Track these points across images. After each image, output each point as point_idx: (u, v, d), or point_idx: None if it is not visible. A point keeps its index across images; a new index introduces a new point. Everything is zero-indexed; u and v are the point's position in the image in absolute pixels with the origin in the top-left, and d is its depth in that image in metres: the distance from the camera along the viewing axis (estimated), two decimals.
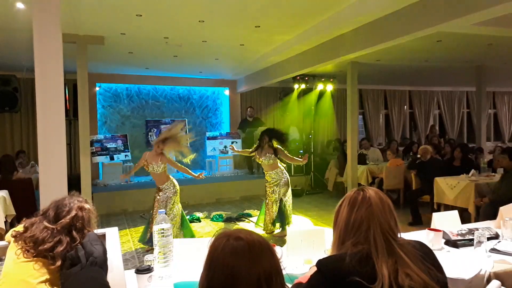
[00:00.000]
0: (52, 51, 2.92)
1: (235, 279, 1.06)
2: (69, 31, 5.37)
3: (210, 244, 1.14)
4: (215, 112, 10.59)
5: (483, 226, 2.76)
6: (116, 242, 2.05)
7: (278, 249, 1.76)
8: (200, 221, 6.43)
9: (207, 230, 5.94)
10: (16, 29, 5.11)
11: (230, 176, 9.15)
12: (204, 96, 10.45)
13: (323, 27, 5.33)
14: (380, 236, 1.36)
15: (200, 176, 4.97)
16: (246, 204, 7.64)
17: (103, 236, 2.07)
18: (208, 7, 4.60)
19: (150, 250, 4.44)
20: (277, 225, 5.50)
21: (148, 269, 1.89)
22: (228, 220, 6.45)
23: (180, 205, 4.86)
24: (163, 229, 2.17)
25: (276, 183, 5.37)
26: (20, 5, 4.29)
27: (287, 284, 1.18)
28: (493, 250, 2.34)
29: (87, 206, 1.91)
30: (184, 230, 4.93)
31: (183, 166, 4.94)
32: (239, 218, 6.53)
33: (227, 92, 10.51)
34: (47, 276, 1.72)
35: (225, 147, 9.37)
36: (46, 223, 1.80)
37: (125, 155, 8.52)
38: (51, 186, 2.90)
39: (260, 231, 5.48)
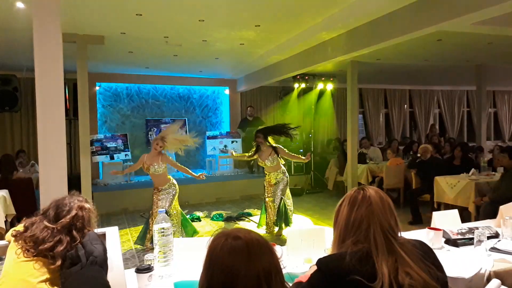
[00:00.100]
0: (52, 50, 2.92)
1: (234, 278, 1.06)
2: (69, 31, 5.37)
3: (209, 244, 1.14)
4: (215, 112, 10.59)
5: (483, 225, 2.76)
6: (116, 241, 2.05)
7: (278, 248, 1.76)
8: (200, 221, 6.43)
9: (207, 229, 5.94)
10: (16, 29, 5.11)
11: (230, 176, 9.15)
12: (204, 96, 10.44)
13: (323, 26, 5.32)
14: (380, 235, 1.36)
15: (201, 177, 4.96)
16: (246, 204, 7.64)
17: (103, 235, 2.07)
18: (208, 6, 4.60)
19: (150, 250, 4.45)
20: (279, 225, 5.47)
21: (148, 269, 1.89)
22: (228, 219, 6.45)
23: (178, 205, 4.87)
24: (163, 228, 2.17)
25: (277, 184, 5.37)
26: (20, 5, 4.29)
27: (287, 282, 1.18)
28: (493, 249, 2.35)
29: (87, 205, 1.91)
30: (185, 228, 4.94)
31: (183, 166, 4.94)
32: (239, 218, 6.53)
33: (227, 91, 10.51)
34: (47, 276, 1.72)
35: (225, 146, 9.36)
36: (46, 223, 1.80)
37: (125, 155, 8.52)
38: (51, 185, 2.90)
39: (262, 231, 5.47)
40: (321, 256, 1.43)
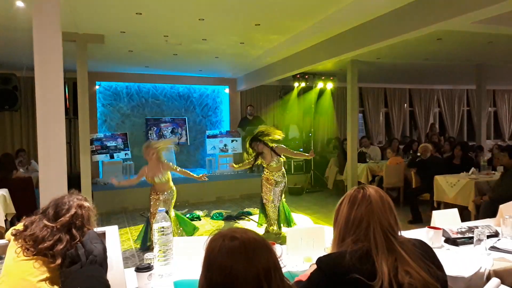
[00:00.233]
0: (52, 49, 2.92)
1: (234, 278, 1.06)
2: (69, 30, 5.36)
3: (206, 246, 1.14)
4: (215, 111, 10.58)
5: (483, 224, 2.76)
6: (116, 240, 2.05)
7: (278, 247, 1.76)
8: (200, 220, 6.43)
9: (207, 228, 5.95)
10: (16, 28, 5.11)
11: (230, 175, 9.15)
12: (204, 95, 10.44)
13: (323, 25, 5.32)
14: (380, 234, 1.36)
15: (203, 178, 4.99)
16: (246, 203, 7.64)
17: (103, 234, 2.07)
18: (208, 5, 4.60)
19: (150, 248, 4.45)
20: (282, 225, 5.45)
21: (148, 268, 1.89)
22: (228, 218, 6.45)
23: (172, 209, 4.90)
24: (163, 227, 2.17)
25: (277, 184, 5.36)
26: (20, 4, 4.29)
27: (287, 278, 1.18)
28: (493, 248, 2.35)
29: (86, 204, 1.91)
30: (185, 227, 4.95)
31: (184, 170, 4.98)
32: (239, 217, 6.54)
33: (227, 90, 10.50)
34: (47, 275, 1.72)
35: (225, 145, 9.37)
36: (45, 222, 1.80)
37: (125, 154, 8.52)
38: (51, 184, 2.90)
39: (261, 230, 5.47)
40: (321, 255, 1.43)
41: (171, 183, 4.82)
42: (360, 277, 1.27)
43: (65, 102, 3.20)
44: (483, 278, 2.02)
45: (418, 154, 6.58)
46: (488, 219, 3.15)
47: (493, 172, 5.98)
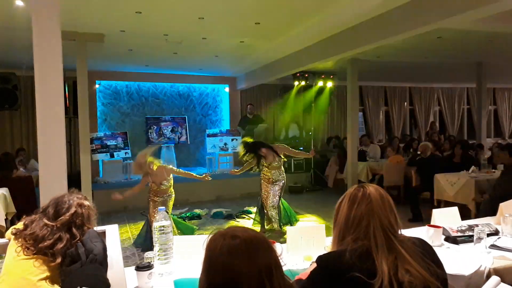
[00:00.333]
0: (51, 48, 2.92)
1: (236, 277, 1.06)
2: (69, 29, 5.36)
3: (207, 245, 1.14)
4: (215, 109, 10.58)
5: (483, 223, 2.77)
6: (116, 239, 2.05)
7: (278, 246, 1.76)
8: (200, 218, 6.44)
9: (207, 227, 5.95)
10: (15, 27, 5.09)
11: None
12: (204, 93, 10.43)
13: (323, 24, 5.32)
14: (380, 232, 1.36)
15: (206, 178, 5.00)
16: (246, 201, 7.63)
17: (103, 233, 2.07)
18: (208, 4, 4.59)
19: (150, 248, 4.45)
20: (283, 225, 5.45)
21: (148, 266, 1.89)
22: (228, 217, 6.46)
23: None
24: (163, 226, 2.17)
25: (276, 182, 5.36)
26: (19, 3, 4.28)
27: (287, 276, 1.18)
28: (493, 246, 2.35)
29: (86, 203, 1.91)
30: (184, 232, 4.95)
31: (186, 172, 4.98)
32: (239, 215, 6.54)
33: (227, 89, 10.49)
34: (47, 273, 1.72)
35: (225, 144, 9.37)
36: (46, 220, 1.80)
37: (125, 153, 8.53)
38: (51, 183, 2.90)
39: (256, 229, 5.47)
40: (321, 254, 1.43)
41: (172, 189, 4.84)
42: (360, 275, 1.27)
43: (65, 101, 3.20)
44: (483, 276, 2.02)
45: (418, 152, 6.58)
46: (488, 217, 3.14)
47: (493, 170, 5.98)
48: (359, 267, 1.29)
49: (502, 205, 2.88)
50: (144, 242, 4.84)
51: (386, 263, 1.30)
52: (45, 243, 1.73)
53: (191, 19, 5.13)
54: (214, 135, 9.44)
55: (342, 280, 1.29)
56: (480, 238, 2.34)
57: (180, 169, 4.95)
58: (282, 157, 5.42)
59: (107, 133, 8.66)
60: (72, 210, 1.83)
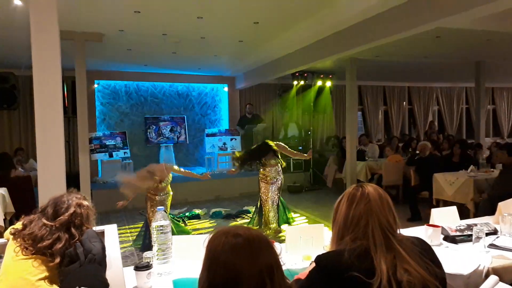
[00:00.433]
0: (50, 48, 2.91)
1: (238, 276, 1.06)
2: (67, 28, 5.35)
3: (208, 242, 1.13)
4: (214, 109, 10.58)
5: (482, 222, 2.77)
6: (115, 239, 2.05)
7: (277, 246, 1.76)
8: (199, 218, 6.44)
9: (206, 226, 5.95)
10: (13, 26, 5.09)
11: None
12: (203, 93, 10.43)
13: (322, 23, 5.31)
14: (379, 232, 1.36)
15: (207, 177, 5.01)
16: (245, 201, 7.64)
17: (102, 233, 2.06)
18: (207, 4, 4.59)
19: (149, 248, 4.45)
20: (281, 225, 5.45)
21: (147, 266, 1.89)
22: (227, 217, 6.46)
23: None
24: (162, 226, 2.17)
25: (274, 180, 5.36)
26: (17, 2, 4.27)
27: (287, 277, 1.18)
28: (492, 245, 2.35)
29: (85, 203, 1.91)
30: (178, 232, 4.95)
31: (187, 171, 4.99)
32: (238, 215, 6.54)
33: (226, 88, 10.49)
34: (46, 273, 1.72)
35: (224, 144, 9.37)
36: (44, 220, 1.80)
37: (124, 152, 8.52)
38: (50, 183, 2.89)
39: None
40: (320, 253, 1.43)
41: (169, 188, 4.85)
42: (359, 275, 1.27)
43: (63, 100, 3.19)
44: (481, 275, 2.02)
45: (417, 152, 6.58)
46: (487, 216, 3.15)
47: (492, 169, 5.99)
48: (358, 266, 1.29)
49: (500, 205, 2.88)
50: (143, 242, 4.84)
51: (385, 263, 1.30)
52: (44, 243, 1.72)
53: (190, 18, 5.13)
54: (213, 134, 9.43)
55: (340, 280, 1.29)
56: (478, 238, 2.34)
57: (181, 168, 4.95)
58: (280, 157, 5.43)
59: (106, 133, 8.65)
60: (71, 210, 1.83)
